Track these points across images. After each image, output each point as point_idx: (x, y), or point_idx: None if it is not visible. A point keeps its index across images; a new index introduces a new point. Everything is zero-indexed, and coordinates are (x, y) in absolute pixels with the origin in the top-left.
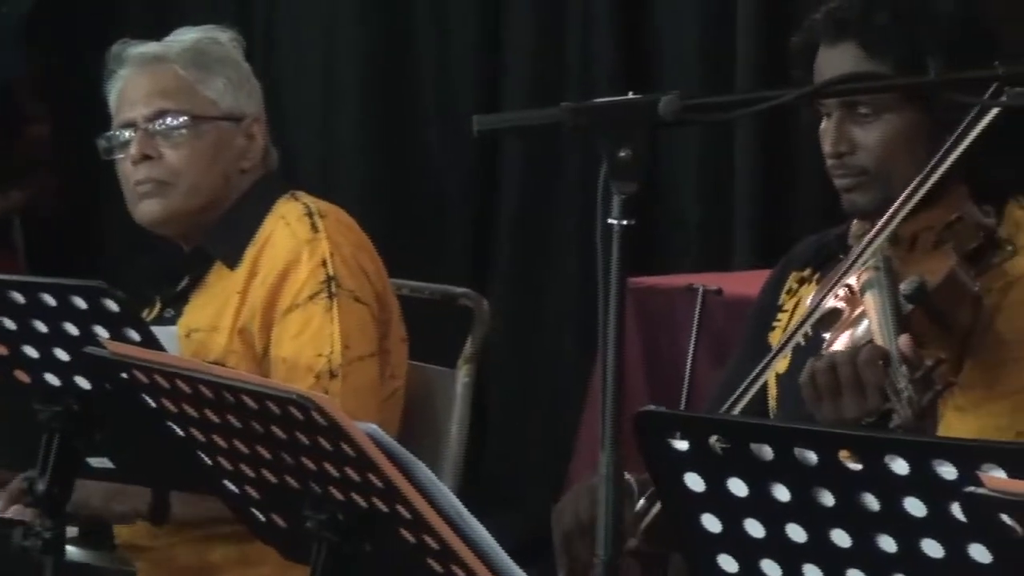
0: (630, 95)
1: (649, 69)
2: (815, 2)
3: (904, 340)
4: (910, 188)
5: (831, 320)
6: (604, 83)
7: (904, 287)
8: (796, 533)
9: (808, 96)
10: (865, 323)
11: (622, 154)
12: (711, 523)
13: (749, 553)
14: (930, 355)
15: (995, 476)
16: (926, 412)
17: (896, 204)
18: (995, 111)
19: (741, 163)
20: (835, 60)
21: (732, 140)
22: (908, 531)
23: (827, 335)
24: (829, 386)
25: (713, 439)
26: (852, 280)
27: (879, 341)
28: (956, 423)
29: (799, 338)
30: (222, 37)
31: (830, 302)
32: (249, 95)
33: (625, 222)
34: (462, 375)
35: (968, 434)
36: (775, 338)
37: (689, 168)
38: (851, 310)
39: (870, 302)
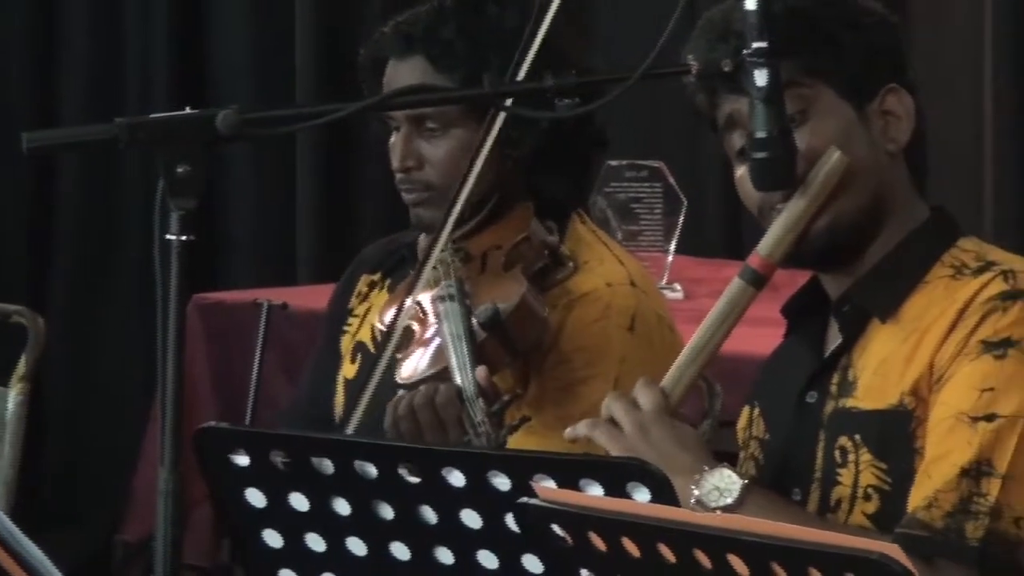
0: (187, 110)
1: (211, 83)
2: (373, 15)
3: (482, 373)
4: (451, 201)
5: (403, 339)
6: (163, 97)
7: (478, 314)
8: (357, 547)
9: (369, 109)
10: (436, 343)
11: (180, 170)
12: (272, 539)
13: (310, 568)
14: (507, 389)
15: (546, 487)
16: (503, 445)
17: (443, 218)
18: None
19: (302, 178)
20: (404, 74)
21: (294, 154)
22: (465, 543)
23: (400, 355)
24: (411, 431)
25: (275, 454)
26: (422, 298)
27: (455, 371)
28: (523, 444)
29: (385, 360)
30: None
31: (402, 321)
32: None
33: (184, 238)
34: (15, 394)
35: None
36: (346, 343)
37: (251, 183)
38: (422, 330)
39: (444, 328)
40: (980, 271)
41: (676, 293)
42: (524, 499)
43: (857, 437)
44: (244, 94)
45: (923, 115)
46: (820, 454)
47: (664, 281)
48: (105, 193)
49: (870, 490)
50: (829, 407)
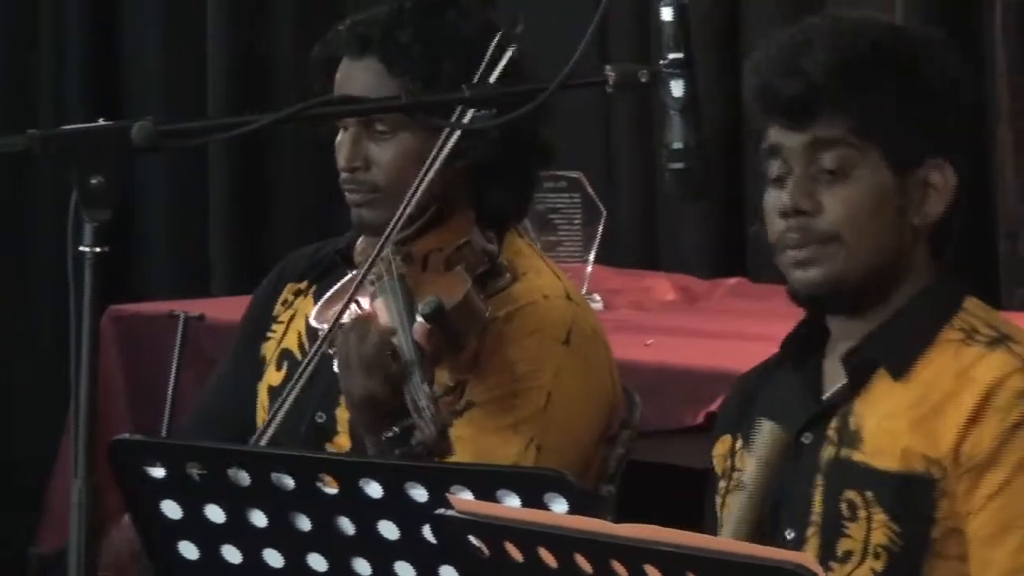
0: (101, 121)
1: (125, 94)
2: (286, 24)
3: (423, 341)
4: (403, 206)
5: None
6: (78, 108)
7: (422, 307)
8: (274, 558)
9: (280, 122)
10: None
11: (94, 181)
12: (188, 550)
13: None
14: (451, 376)
15: (463, 498)
16: (447, 430)
17: (392, 222)
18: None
19: (216, 188)
20: (357, 75)
21: (206, 166)
22: (382, 554)
23: (332, 351)
24: (343, 358)
25: (191, 466)
26: (362, 298)
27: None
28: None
29: (315, 359)
30: None
31: (342, 319)
32: None
33: (98, 249)
34: None
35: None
36: (269, 349)
37: (165, 194)
38: None
39: (386, 320)
40: (993, 344)
41: (596, 304)
42: (441, 510)
43: (869, 495)
44: (158, 105)
45: (964, 193)
46: (818, 499)
47: (584, 292)
48: (18, 203)
49: (879, 549)
50: (827, 453)
